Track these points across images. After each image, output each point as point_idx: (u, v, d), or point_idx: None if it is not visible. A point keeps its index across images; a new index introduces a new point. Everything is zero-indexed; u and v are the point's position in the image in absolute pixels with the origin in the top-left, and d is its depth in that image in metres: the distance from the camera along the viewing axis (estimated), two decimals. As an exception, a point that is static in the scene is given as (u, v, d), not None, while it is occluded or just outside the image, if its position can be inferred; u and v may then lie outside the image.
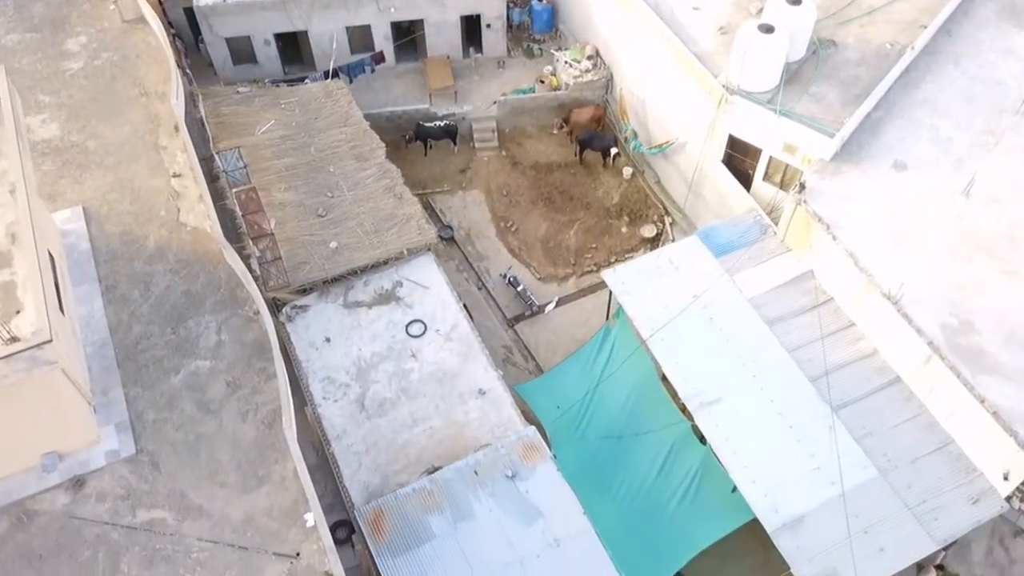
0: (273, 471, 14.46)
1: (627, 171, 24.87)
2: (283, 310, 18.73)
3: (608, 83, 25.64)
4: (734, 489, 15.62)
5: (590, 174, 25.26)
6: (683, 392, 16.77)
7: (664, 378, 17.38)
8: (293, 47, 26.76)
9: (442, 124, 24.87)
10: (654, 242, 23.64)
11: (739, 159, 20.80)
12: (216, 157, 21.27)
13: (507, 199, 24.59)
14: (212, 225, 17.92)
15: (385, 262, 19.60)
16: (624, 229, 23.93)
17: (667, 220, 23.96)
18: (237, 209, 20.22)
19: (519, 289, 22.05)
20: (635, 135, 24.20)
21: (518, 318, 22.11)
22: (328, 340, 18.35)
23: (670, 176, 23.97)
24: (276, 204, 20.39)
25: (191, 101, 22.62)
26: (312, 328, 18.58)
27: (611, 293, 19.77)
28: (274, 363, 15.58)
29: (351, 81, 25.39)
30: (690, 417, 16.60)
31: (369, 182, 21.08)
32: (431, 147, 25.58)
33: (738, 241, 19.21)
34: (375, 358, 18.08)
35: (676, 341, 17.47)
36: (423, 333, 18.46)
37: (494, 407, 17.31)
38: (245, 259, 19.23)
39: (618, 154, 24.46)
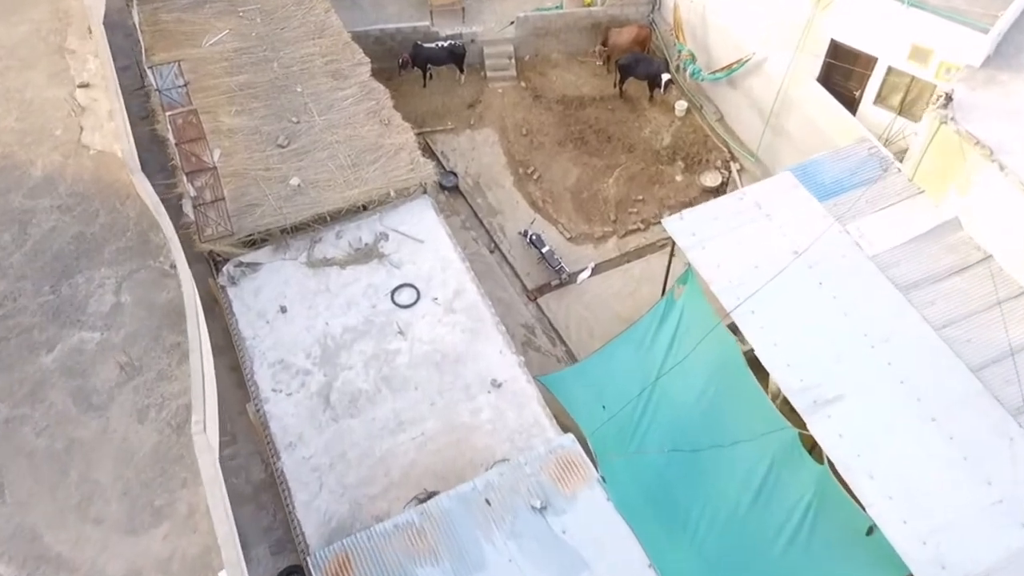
0: (177, 500, 9.62)
1: (680, 105, 19.87)
2: (224, 268, 13.87)
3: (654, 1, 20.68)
4: (871, 530, 10.71)
5: (633, 109, 20.27)
6: (787, 386, 11.83)
7: (756, 366, 12.43)
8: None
9: (444, 44, 19.92)
10: (718, 193, 18.64)
11: (842, 76, 15.81)
12: (149, 72, 16.42)
13: (527, 139, 19.64)
14: (124, 148, 13.08)
15: (365, 206, 14.72)
16: (679, 177, 18.94)
17: (733, 166, 18.97)
18: (171, 136, 15.35)
19: (543, 252, 17.10)
20: (692, 58, 19.18)
21: (542, 289, 17.17)
22: (284, 310, 13.47)
23: (738, 109, 18.96)
24: (223, 131, 15.52)
25: (125, 6, 17.86)
26: (263, 293, 13.71)
27: (672, 252, 14.83)
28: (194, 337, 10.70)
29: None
30: (798, 422, 11.66)
31: (347, 104, 16.16)
32: (431, 75, 20.65)
33: (849, 180, 14.21)
34: (348, 335, 13.21)
35: (773, 315, 12.53)
36: (415, 302, 13.58)
37: (513, 405, 12.43)
38: (175, 201, 14.40)
39: (671, 82, 19.44)
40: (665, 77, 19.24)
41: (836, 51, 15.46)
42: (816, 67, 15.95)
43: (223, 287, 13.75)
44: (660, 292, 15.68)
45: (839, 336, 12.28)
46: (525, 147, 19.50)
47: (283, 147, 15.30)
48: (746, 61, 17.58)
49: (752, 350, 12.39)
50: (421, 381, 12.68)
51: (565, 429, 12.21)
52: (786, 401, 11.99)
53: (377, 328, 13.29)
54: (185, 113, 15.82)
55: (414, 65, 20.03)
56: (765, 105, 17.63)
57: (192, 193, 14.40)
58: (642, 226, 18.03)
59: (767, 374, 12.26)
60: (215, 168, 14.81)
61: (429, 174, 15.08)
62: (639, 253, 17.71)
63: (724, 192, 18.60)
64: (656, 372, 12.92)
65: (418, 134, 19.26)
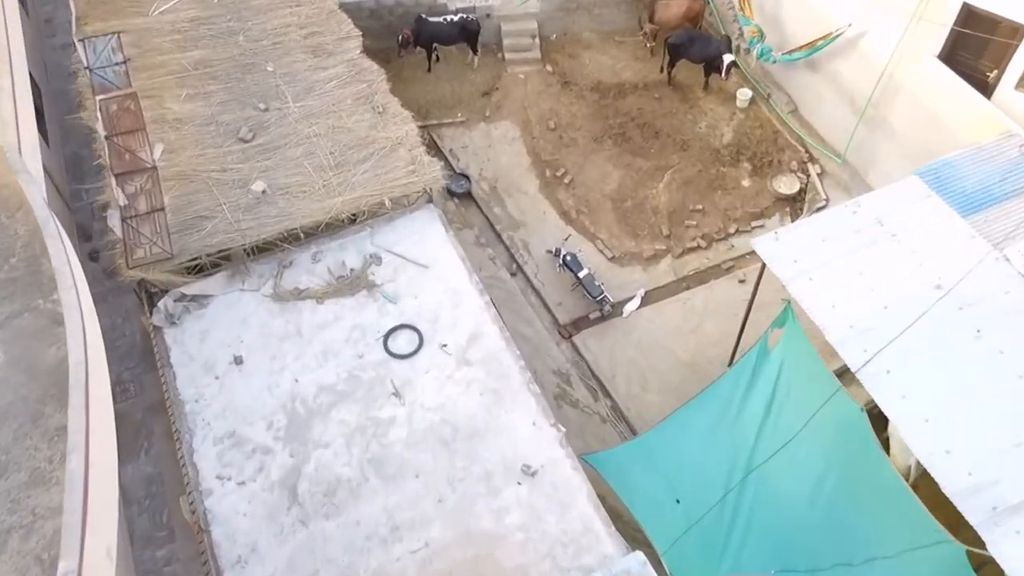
0: None
1: (743, 94, 16.40)
2: (159, 303, 10.42)
3: (710, -38, 17.22)
4: None
5: (685, 99, 16.80)
6: (950, 484, 8.33)
7: (891, 445, 8.93)
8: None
9: (454, 19, 16.50)
10: (795, 202, 15.18)
11: (973, 52, 12.33)
12: (78, 46, 13.03)
13: (555, 135, 16.18)
14: (9, 139, 9.68)
15: (352, 219, 11.28)
16: (746, 182, 15.45)
17: (812, 169, 15.48)
18: (100, 127, 11.95)
19: (580, 276, 13.61)
20: (760, 35, 15.71)
21: (579, 323, 13.70)
22: (239, 361, 10.03)
23: (819, 98, 15.47)
24: (169, 120, 12.09)
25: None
26: (212, 337, 10.27)
27: (759, 282, 11.36)
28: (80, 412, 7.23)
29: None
30: (969, 536, 8.15)
31: (330, 87, 12.72)
32: (438, 57, 17.23)
33: (999, 187, 10.74)
34: (325, 398, 9.76)
35: (917, 376, 9.06)
36: (416, 350, 10.13)
37: (554, 503, 8.95)
38: (96, 211, 11.00)
39: (733, 65, 15.94)
40: (727, 59, 15.75)
41: (968, 18, 11.97)
42: (937, 42, 12.46)
43: (157, 328, 10.31)
44: (733, 328, 12.21)
45: (1016, 409, 8.79)
46: (553, 144, 16.03)
47: (246, 141, 11.86)
48: (836, 37, 14.10)
49: (894, 426, 8.90)
50: (424, 466, 9.21)
51: (624, 535, 8.74)
52: (929, 486, 8.55)
53: (365, 388, 9.82)
54: (122, 98, 12.43)
55: (417, 44, 16.60)
56: (860, 92, 14.13)
57: (122, 201, 10.99)
58: (703, 243, 14.54)
59: (917, 463, 8.77)
60: (155, 168, 11.41)
61: (435, 177, 11.61)
62: (700, 277, 14.22)
63: (802, 200, 15.13)
64: (749, 454, 9.41)
65: (421, 127, 16.00)
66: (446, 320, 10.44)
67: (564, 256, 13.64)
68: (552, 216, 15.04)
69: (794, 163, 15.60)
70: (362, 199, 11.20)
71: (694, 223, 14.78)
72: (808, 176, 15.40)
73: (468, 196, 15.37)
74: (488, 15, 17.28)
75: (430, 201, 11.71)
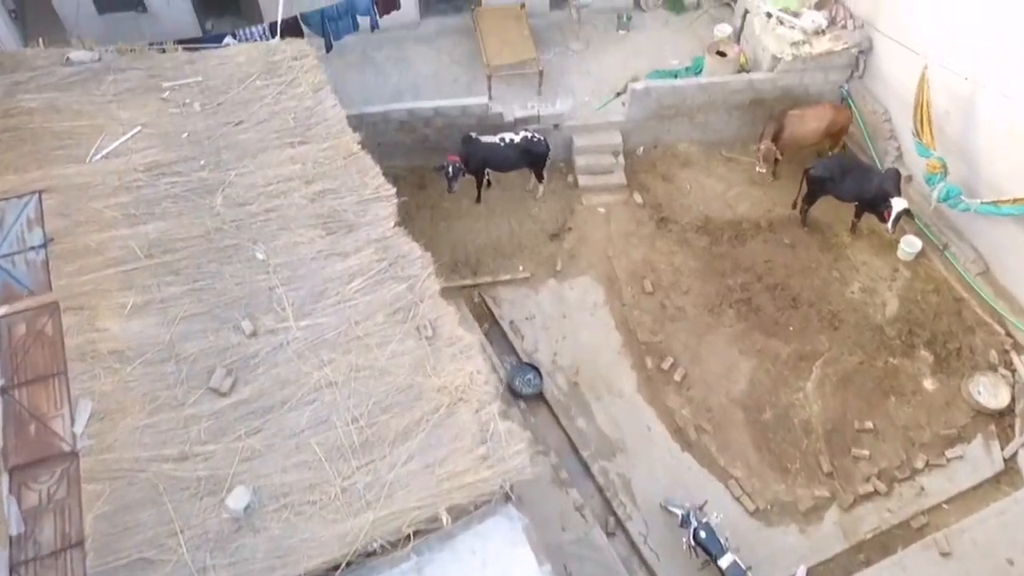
0: None
1: (910, 244, 12.28)
2: None
3: (860, 58, 13.05)
4: None
5: (826, 245, 12.68)
6: None
7: None
8: (222, -19, 14.58)
9: (516, 139, 12.38)
10: (1002, 416, 10.99)
11: None
12: (-24, 217, 8.98)
13: (655, 301, 12.04)
14: None
15: (394, 544, 7.10)
16: (928, 383, 11.27)
17: (1020, 362, 11.31)
18: (-8, 369, 7.85)
19: (723, 567, 9.23)
20: (944, 170, 11.53)
21: (715, 622, 9.48)
22: None
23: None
24: (104, 354, 7.99)
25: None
26: None
27: None
28: None
29: (329, 47, 13.03)
30: None
31: (353, 290, 8.58)
32: (489, 182, 13.15)
33: None
34: None
35: None
36: None
37: None
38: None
39: (906, 213, 11.76)
40: (898, 205, 11.56)
41: None
42: None
43: None
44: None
45: None
46: (653, 316, 11.88)
47: (222, 395, 7.72)
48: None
49: None
50: None
51: None
52: None
53: None
54: (34, 312, 8.31)
55: (466, 171, 12.44)
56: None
57: (14, 529, 6.83)
58: (880, 486, 10.34)
59: None
60: (74, 454, 7.28)
61: (519, 465, 7.45)
62: (882, 543, 10.01)
63: (1012, 415, 10.95)
64: None
65: (468, 287, 12.01)
66: None
67: (695, 529, 9.40)
68: (660, 434, 10.85)
69: (992, 352, 11.42)
70: (405, 515, 7.04)
71: (864, 452, 10.59)
72: (1015, 373, 11.23)
73: (540, 397, 11.20)
74: (556, 126, 13.17)
75: (509, 499, 7.54)
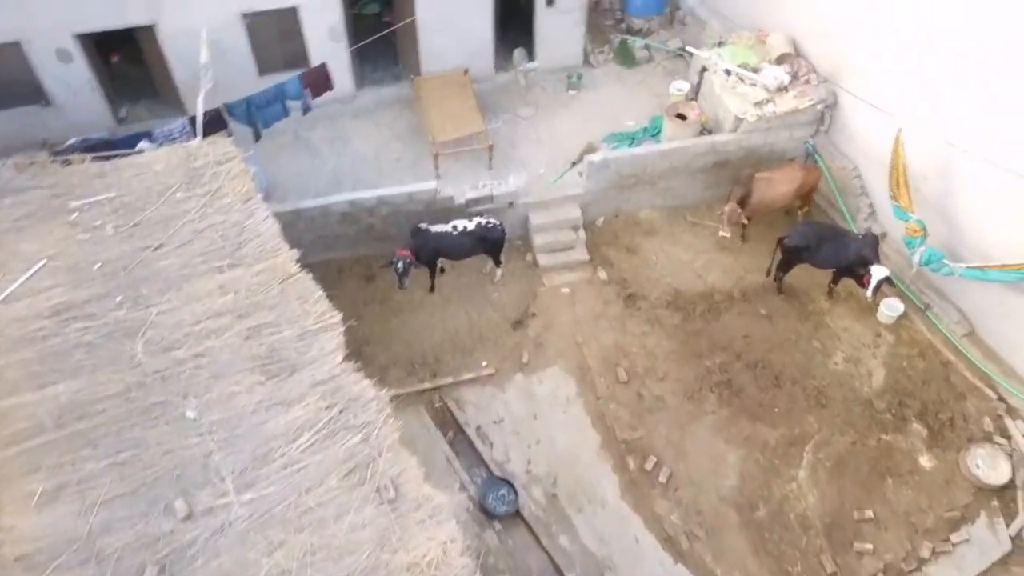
0: None
1: (891, 308, 11.72)
2: None
3: (826, 113, 12.46)
4: None
5: (803, 313, 12.05)
6: None
7: None
8: (136, 66, 13.46)
9: (470, 226, 11.48)
10: (1004, 491, 10.41)
11: None
12: None
13: (631, 391, 11.24)
14: None
15: None
16: (924, 460, 10.65)
17: (1014, 427, 10.77)
18: None
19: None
20: (924, 233, 10.96)
21: None
22: None
23: (1015, 321, 10.79)
24: (9, 563, 6.79)
25: None
26: None
27: None
28: None
29: (258, 136, 11.99)
30: None
31: (300, 449, 7.52)
32: (443, 268, 12.25)
33: None
34: None
35: None
36: None
37: None
38: None
39: (887, 281, 11.16)
40: (878, 274, 10.96)
41: None
42: None
43: None
44: None
45: None
46: (631, 409, 11.08)
47: (153, 609, 6.65)
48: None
49: None
50: None
51: None
52: None
53: None
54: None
55: (415, 263, 11.49)
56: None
57: None
58: (887, 584, 9.70)
59: None
60: None
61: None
62: (899, 656, 9.36)
63: (1014, 487, 10.37)
64: None
65: (428, 391, 11.13)
66: None
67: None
68: (650, 545, 10.01)
69: (986, 419, 10.87)
70: None
71: (868, 546, 9.90)
72: (1011, 441, 10.68)
73: (518, 515, 10.28)
74: (511, 204, 12.32)
75: None
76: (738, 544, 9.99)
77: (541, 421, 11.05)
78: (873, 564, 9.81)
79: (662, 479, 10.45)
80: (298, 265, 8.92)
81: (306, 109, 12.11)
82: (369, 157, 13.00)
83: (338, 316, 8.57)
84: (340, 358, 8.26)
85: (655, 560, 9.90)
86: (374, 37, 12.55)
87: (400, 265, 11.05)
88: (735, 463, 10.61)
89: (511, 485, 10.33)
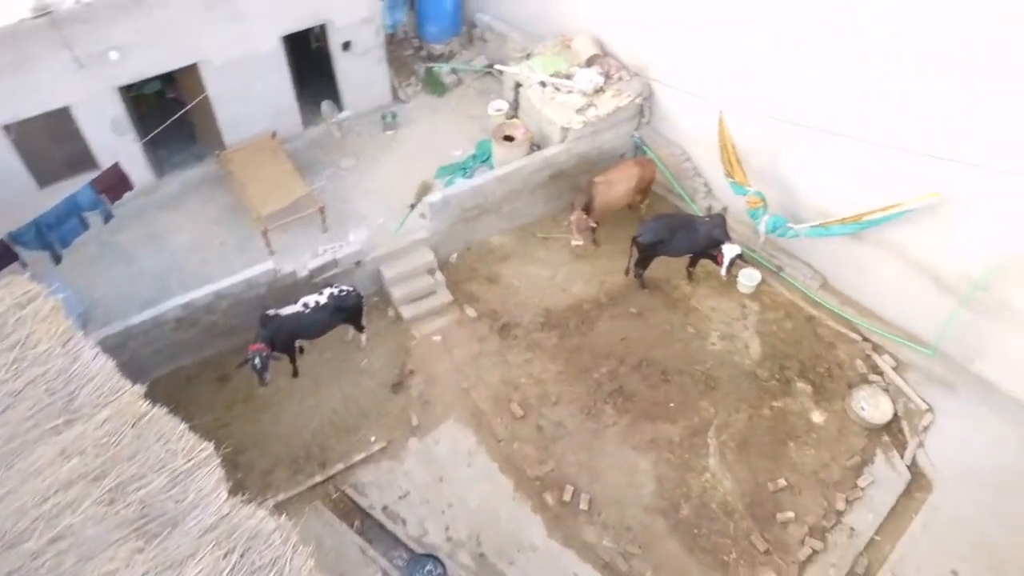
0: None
1: (749, 277, 12.12)
2: None
3: (645, 105, 12.69)
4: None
5: (671, 303, 12.24)
6: None
7: None
8: None
9: (322, 300, 10.73)
10: (890, 427, 11.03)
11: None
12: None
13: (530, 425, 10.96)
14: None
15: None
16: (816, 416, 11.08)
17: (883, 362, 11.45)
18: None
19: None
20: (764, 203, 11.42)
21: None
22: None
23: (865, 268, 11.47)
24: None
25: None
26: None
27: None
28: None
29: (58, 259, 10.63)
30: None
31: (209, 616, 6.67)
32: (302, 349, 11.43)
33: None
34: None
35: None
36: None
37: None
38: None
39: (740, 259, 11.54)
40: (730, 251, 11.32)
41: None
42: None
43: None
44: None
45: None
46: (533, 442, 10.80)
47: None
48: (908, 210, 10.07)
49: None
50: None
51: None
52: None
53: None
54: None
55: (275, 355, 10.58)
56: (950, 268, 10.27)
57: None
58: (818, 544, 9.95)
59: None
60: None
61: None
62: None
63: (900, 427, 11.01)
64: None
65: (322, 483, 10.40)
66: None
67: None
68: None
69: (858, 362, 11.50)
70: None
71: (790, 515, 10.16)
72: (884, 376, 11.35)
73: (443, 598, 9.73)
74: (358, 263, 11.67)
75: None
76: (673, 549, 9.96)
77: (448, 482, 10.53)
78: (798, 530, 10.09)
79: (583, 506, 10.25)
80: (147, 402, 7.91)
81: (107, 216, 10.85)
82: (190, 249, 11.90)
83: (209, 447, 7.67)
84: (224, 494, 7.39)
85: (605, 597, 9.70)
86: (167, 123, 11.41)
87: (257, 361, 10.13)
88: (648, 469, 10.59)
89: (435, 558, 9.75)
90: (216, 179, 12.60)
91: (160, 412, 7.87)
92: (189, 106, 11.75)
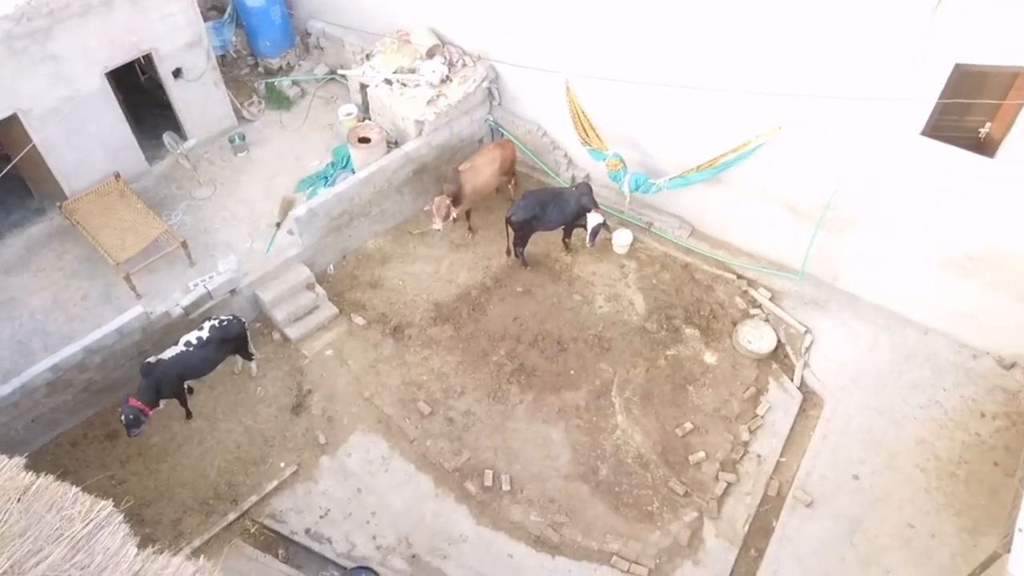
0: None
1: (622, 238, 12.61)
2: None
3: (492, 88, 12.94)
4: None
5: (554, 276, 12.59)
6: None
7: None
8: None
9: (203, 335, 10.42)
10: (776, 354, 11.77)
11: (957, 115, 9.66)
12: None
13: (440, 421, 11.05)
14: None
15: None
16: (709, 358, 11.69)
17: (759, 295, 12.20)
18: None
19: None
20: (623, 165, 11.91)
21: None
22: None
23: (725, 210, 12.17)
24: None
25: None
26: None
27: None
28: None
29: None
30: None
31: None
32: (191, 389, 11.08)
33: None
34: None
35: None
36: None
37: None
38: None
39: (604, 226, 11.97)
40: (593, 220, 11.74)
41: (963, 79, 9.19)
42: (919, 117, 9.58)
43: None
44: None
45: None
46: (446, 435, 10.89)
47: None
48: (758, 147, 10.73)
49: None
50: None
51: None
52: None
53: None
54: None
55: (158, 401, 10.21)
56: (802, 195, 11.04)
57: None
58: (731, 477, 10.53)
59: None
60: None
61: None
62: (761, 527, 10.19)
63: (786, 352, 11.76)
64: None
65: (237, 520, 10.14)
66: None
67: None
68: (524, 554, 9.94)
69: (737, 299, 12.21)
70: None
71: (701, 455, 10.70)
72: (762, 308, 12.10)
73: (392, 613, 9.70)
74: (233, 291, 11.38)
75: None
76: (598, 510, 10.30)
77: (367, 492, 10.48)
78: (711, 467, 10.63)
79: (506, 487, 10.44)
80: (31, 473, 7.50)
81: (-53, 290, 10.16)
82: (50, 309, 11.28)
83: (108, 504, 7.36)
84: (134, 549, 7.13)
85: (536, 565, 9.89)
86: (-6, 181, 10.77)
87: (122, 417, 9.76)
88: (560, 438, 10.90)
89: (369, 569, 9.70)
90: (63, 231, 11.98)
91: (47, 481, 7.48)
92: (14, 161, 11.09)
